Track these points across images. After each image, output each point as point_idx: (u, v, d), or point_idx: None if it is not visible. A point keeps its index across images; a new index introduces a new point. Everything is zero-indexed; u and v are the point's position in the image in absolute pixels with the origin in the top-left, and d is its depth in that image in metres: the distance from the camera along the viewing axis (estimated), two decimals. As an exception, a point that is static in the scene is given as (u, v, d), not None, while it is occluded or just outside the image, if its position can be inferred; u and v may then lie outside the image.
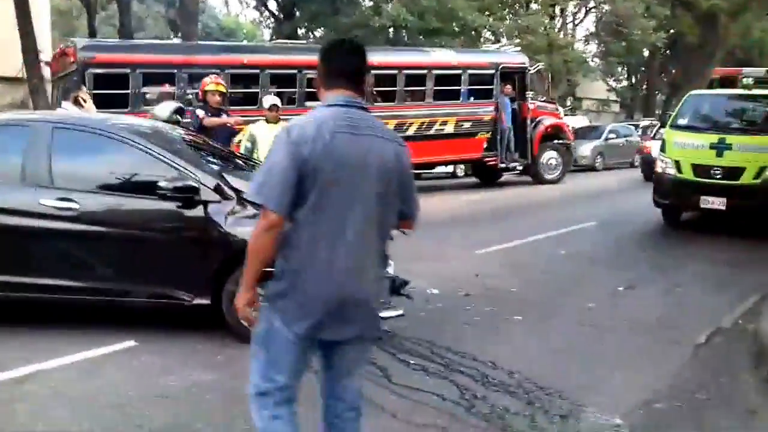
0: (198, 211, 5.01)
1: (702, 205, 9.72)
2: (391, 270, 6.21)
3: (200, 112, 7.73)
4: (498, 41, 25.74)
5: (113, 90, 11.52)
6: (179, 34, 17.31)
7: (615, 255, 8.67)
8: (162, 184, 4.88)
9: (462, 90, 15.10)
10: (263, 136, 7.54)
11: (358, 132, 2.54)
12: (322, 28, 19.71)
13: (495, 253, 8.56)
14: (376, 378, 4.58)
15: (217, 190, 5.05)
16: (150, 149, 5.09)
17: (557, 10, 28.76)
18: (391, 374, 4.65)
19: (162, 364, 4.72)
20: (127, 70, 11.83)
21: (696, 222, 10.66)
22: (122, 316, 5.36)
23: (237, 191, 5.07)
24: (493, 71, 15.46)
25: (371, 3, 18.62)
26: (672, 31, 30.69)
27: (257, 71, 12.97)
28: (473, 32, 22.40)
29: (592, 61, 32.99)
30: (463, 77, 15.08)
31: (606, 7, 29.99)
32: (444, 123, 14.77)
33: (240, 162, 6.15)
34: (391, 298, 6.26)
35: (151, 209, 5.04)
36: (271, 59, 13.38)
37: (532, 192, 15.76)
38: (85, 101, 7.47)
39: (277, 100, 8.10)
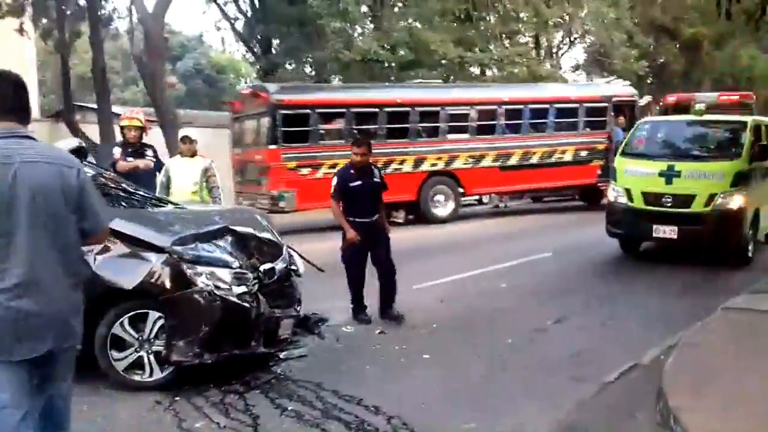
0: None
1: (654, 234, 9.43)
2: (300, 309, 6.02)
3: (116, 152, 7.55)
4: (483, 73, 25.80)
5: (297, 128, 13.34)
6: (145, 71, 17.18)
7: (557, 287, 8.35)
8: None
9: (579, 121, 16.29)
10: (177, 171, 7.32)
11: (8, 161, 2.68)
12: (295, 63, 19.66)
13: (434, 287, 8.26)
14: (242, 427, 4.33)
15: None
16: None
17: (540, 41, 28.74)
18: (261, 422, 4.39)
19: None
20: (308, 111, 13.51)
21: (655, 251, 10.35)
22: None
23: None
24: (606, 104, 16.53)
25: (340, 39, 18.54)
26: (657, 60, 30.59)
27: (408, 109, 14.57)
28: (457, 64, 22.31)
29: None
30: (579, 110, 16.25)
31: (590, 38, 29.94)
32: (563, 152, 15.99)
33: (136, 201, 5.91)
34: (299, 338, 6.06)
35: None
36: (420, 98, 15.03)
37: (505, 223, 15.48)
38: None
39: (189, 133, 7.76)
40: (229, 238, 5.29)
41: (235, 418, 4.46)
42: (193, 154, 7.47)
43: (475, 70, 25.70)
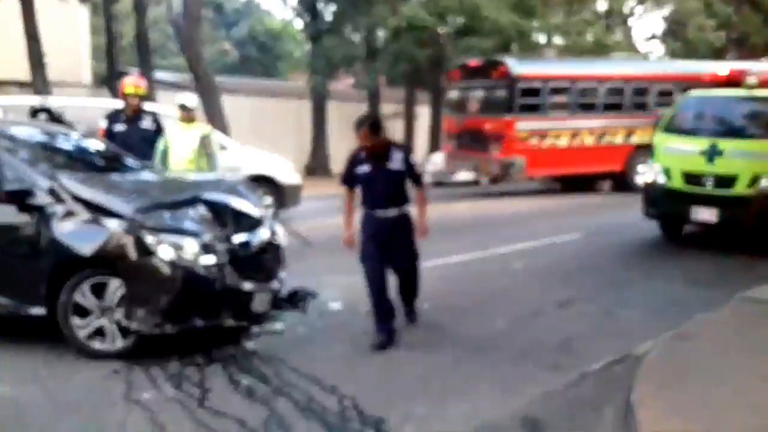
0: (29, 216, 4.76)
1: (692, 217, 8.83)
2: (281, 281, 5.85)
3: (102, 124, 7.47)
4: (548, 43, 24.85)
5: (530, 99, 14.42)
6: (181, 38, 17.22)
7: (574, 269, 7.91)
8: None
9: None
10: (175, 138, 7.17)
11: None
12: (348, 26, 19.31)
13: (444, 266, 7.96)
14: (189, 400, 4.23)
15: (52, 193, 4.78)
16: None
17: (612, 8, 27.43)
18: (210, 397, 4.29)
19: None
20: (541, 84, 14.57)
21: (698, 236, 9.70)
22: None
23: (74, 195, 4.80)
24: None
25: (386, 4, 18.15)
26: (738, 31, 28.77)
27: (646, 84, 15.51)
28: (516, 32, 21.49)
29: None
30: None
31: (668, 6, 28.37)
32: None
33: (117, 164, 5.85)
34: (281, 312, 5.93)
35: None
36: (635, 73, 15.82)
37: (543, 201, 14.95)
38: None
39: (186, 100, 7.35)
40: (201, 208, 5.17)
41: (186, 391, 4.39)
42: (191, 121, 7.30)
43: (541, 39, 24.81)
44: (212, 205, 5.26)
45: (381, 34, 20.22)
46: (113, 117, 7.56)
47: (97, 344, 4.84)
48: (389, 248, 5.49)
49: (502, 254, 8.67)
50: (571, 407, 4.26)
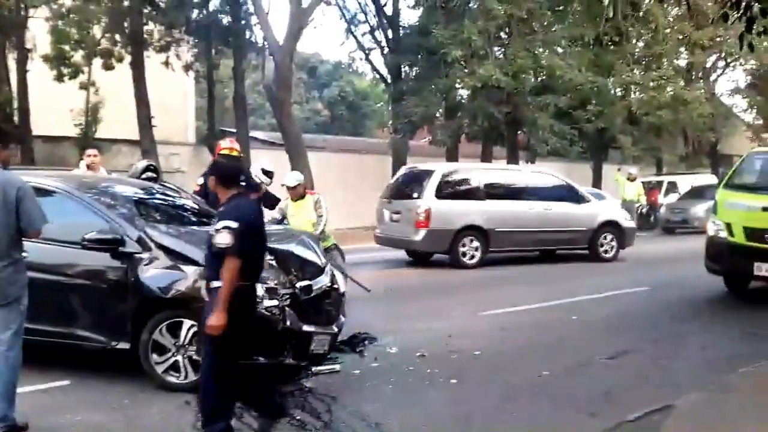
0: (120, 262, 5.46)
1: (755, 272, 8.79)
2: (340, 325, 6.35)
3: (199, 181, 8.06)
4: (624, 98, 24.85)
5: None
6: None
7: (632, 322, 8.05)
8: (87, 236, 5.38)
9: None
10: (292, 214, 8.07)
11: None
12: (423, 90, 20.15)
13: (500, 315, 8.28)
14: (247, 429, 4.72)
15: (140, 241, 5.48)
16: (86, 203, 5.66)
17: (692, 63, 27.23)
18: (265, 427, 4.76)
19: (73, 402, 5.15)
20: None
21: (764, 291, 9.60)
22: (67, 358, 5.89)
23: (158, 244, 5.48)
24: None
25: (463, 67, 18.87)
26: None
27: None
28: (592, 90, 21.72)
29: (738, 115, 30.67)
30: None
31: (751, 60, 27.90)
32: None
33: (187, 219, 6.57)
34: (339, 354, 6.40)
35: (80, 258, 5.54)
36: None
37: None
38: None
39: (288, 180, 8.31)
40: (268, 256, 5.74)
41: (245, 422, 4.87)
42: (302, 197, 8.09)
43: (617, 93, 24.88)
44: (278, 253, 5.84)
45: (460, 92, 20.90)
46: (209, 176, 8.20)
47: (171, 378, 5.42)
48: None
49: (560, 305, 8.90)
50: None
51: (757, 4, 7.04)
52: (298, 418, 4.95)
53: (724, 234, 9.13)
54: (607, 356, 6.59)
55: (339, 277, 6.53)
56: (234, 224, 4.26)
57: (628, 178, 18.49)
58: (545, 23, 20.56)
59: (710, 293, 9.65)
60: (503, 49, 20.00)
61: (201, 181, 8.04)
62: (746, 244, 8.84)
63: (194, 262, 5.39)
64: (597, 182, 24.82)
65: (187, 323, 5.37)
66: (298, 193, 8.26)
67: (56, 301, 5.57)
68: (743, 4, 7.04)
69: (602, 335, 7.48)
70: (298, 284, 5.77)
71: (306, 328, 5.68)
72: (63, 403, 5.17)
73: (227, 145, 8.35)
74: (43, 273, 5.45)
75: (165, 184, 7.55)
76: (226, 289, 4.21)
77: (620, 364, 6.41)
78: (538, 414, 5.13)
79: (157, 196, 6.63)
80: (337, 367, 6.10)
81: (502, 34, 20.88)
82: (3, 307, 4.35)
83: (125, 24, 17.59)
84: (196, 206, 6.99)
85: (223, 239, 4.24)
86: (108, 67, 17.77)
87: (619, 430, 4.85)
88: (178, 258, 5.44)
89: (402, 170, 14.13)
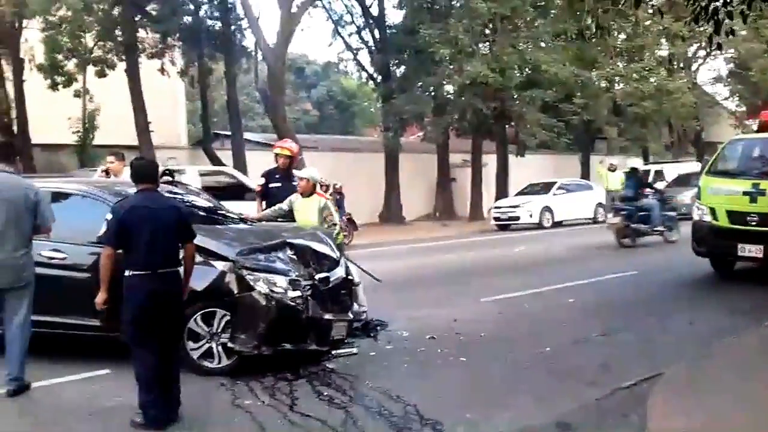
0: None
1: (739, 253, 9.38)
2: (362, 314, 6.87)
3: (261, 181, 8.41)
4: (608, 90, 25.49)
5: None
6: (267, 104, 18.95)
7: (623, 303, 8.61)
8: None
9: None
10: (298, 208, 7.74)
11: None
12: (411, 88, 20.68)
13: (500, 300, 8.82)
14: (281, 406, 5.22)
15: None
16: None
17: (673, 54, 27.89)
18: (297, 403, 5.26)
19: (116, 388, 5.62)
20: None
21: (751, 272, 10.17)
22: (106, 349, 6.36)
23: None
24: None
25: (451, 65, 19.42)
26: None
27: None
28: (576, 83, 22.31)
29: (721, 103, 31.39)
30: None
31: (730, 50, 28.61)
32: None
33: (217, 219, 7.05)
34: (355, 339, 6.92)
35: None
36: None
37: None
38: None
39: (304, 173, 7.92)
40: (288, 251, 6.25)
41: (278, 399, 5.36)
42: (311, 193, 7.79)
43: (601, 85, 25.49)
44: (297, 248, 6.34)
45: (448, 88, 21.46)
46: (269, 175, 8.44)
47: (206, 363, 5.92)
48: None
49: (556, 290, 9.46)
50: (600, 415, 5.00)
51: (723, 8, 7.60)
52: (326, 394, 5.46)
53: (708, 218, 9.72)
54: (601, 333, 7.13)
55: (353, 268, 7.03)
56: (109, 216, 5.01)
57: (609, 169, 18.98)
58: (528, 19, 21.16)
59: (697, 275, 10.23)
60: (489, 46, 20.55)
61: (262, 181, 8.37)
62: (729, 226, 9.42)
63: (223, 258, 5.88)
64: (585, 173, 25.45)
65: (219, 313, 5.87)
66: (304, 187, 8.31)
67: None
68: (710, 9, 7.59)
69: (597, 315, 8.02)
70: (317, 276, 6.28)
71: (327, 316, 6.20)
72: (109, 388, 5.63)
73: (279, 144, 8.74)
74: (86, 273, 5.93)
75: (188, 186, 8.02)
76: (102, 274, 4.86)
77: (614, 340, 6.95)
78: (540, 384, 5.65)
79: (185, 198, 7.09)
80: (354, 350, 6.62)
81: (487, 32, 21.48)
82: (20, 288, 5.43)
83: (117, 32, 17.98)
84: (213, 206, 7.46)
85: (102, 229, 5.26)
86: (101, 74, 18.18)
87: (614, 396, 5.37)
88: (208, 255, 5.93)
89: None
